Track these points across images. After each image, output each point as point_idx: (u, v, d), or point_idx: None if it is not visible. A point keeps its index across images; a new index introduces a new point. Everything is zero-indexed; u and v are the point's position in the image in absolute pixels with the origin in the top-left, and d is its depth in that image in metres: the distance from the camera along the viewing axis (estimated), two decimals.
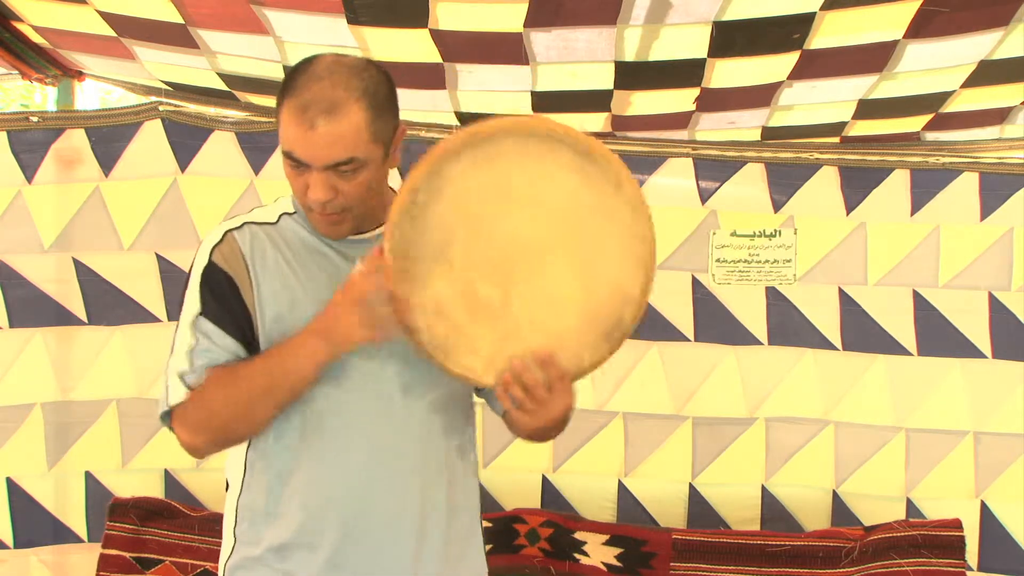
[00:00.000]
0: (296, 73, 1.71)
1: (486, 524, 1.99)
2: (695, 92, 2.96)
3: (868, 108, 3.07)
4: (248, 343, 1.76)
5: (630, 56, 2.72)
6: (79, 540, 3.27)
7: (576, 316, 1.68)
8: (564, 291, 1.68)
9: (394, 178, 1.83)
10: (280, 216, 1.84)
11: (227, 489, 1.87)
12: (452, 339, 1.67)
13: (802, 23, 2.51)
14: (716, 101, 3.03)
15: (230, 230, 1.81)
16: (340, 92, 1.65)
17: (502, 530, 3.19)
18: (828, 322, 3.35)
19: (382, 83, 1.72)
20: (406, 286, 1.65)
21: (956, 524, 3.17)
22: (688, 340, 3.37)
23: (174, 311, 3.21)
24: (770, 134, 3.33)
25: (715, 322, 3.37)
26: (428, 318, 1.66)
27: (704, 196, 3.38)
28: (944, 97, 2.98)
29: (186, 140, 3.27)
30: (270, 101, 3.24)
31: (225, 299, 1.76)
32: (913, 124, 3.25)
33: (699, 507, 3.38)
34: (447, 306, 1.66)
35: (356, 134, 1.65)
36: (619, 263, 1.68)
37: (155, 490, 3.26)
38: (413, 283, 1.65)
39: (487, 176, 1.64)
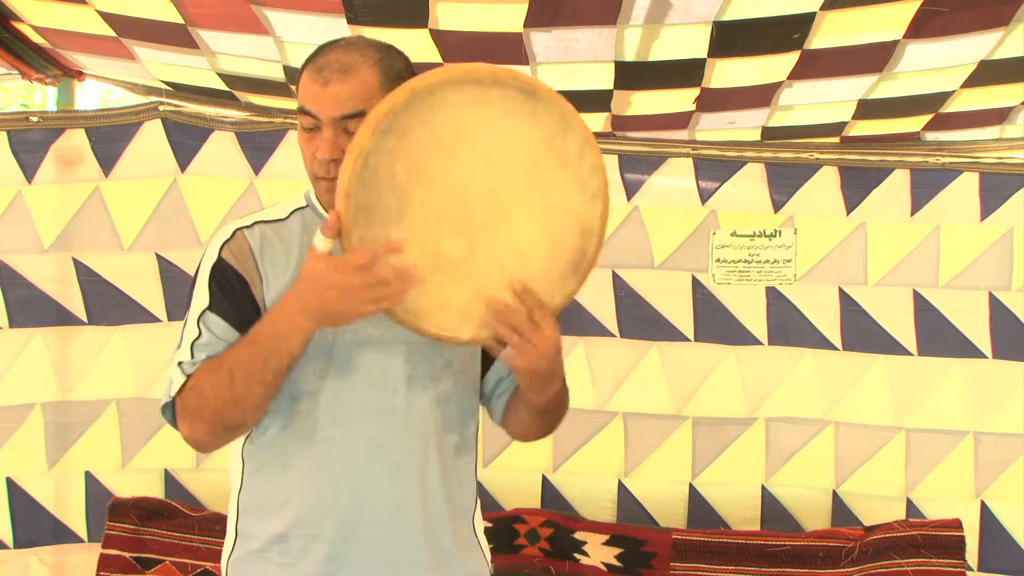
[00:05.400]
0: (318, 48, 1.78)
1: (486, 524, 1.99)
2: (695, 92, 2.96)
3: (868, 108, 3.07)
4: None
5: (630, 56, 2.72)
6: (79, 540, 3.27)
7: (541, 257, 1.69)
8: (526, 234, 1.68)
9: None
10: (291, 212, 1.86)
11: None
12: (421, 301, 1.66)
13: (802, 23, 2.51)
14: (716, 101, 3.03)
15: (240, 228, 1.82)
16: (355, 56, 1.73)
17: (502, 530, 3.18)
18: (828, 322, 3.35)
19: (398, 61, 1.78)
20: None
21: (956, 524, 3.17)
22: (688, 340, 3.37)
23: (174, 311, 3.23)
24: (770, 134, 3.33)
25: (715, 322, 3.37)
26: None
27: (704, 196, 3.38)
28: (944, 97, 2.98)
29: (186, 140, 3.27)
30: (270, 101, 3.25)
31: (233, 294, 1.77)
32: (913, 124, 3.25)
33: (699, 507, 3.37)
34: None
35: (367, 90, 1.71)
36: (575, 198, 1.69)
37: (155, 490, 3.26)
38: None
39: (435, 129, 1.62)
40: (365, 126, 1.62)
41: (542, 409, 1.84)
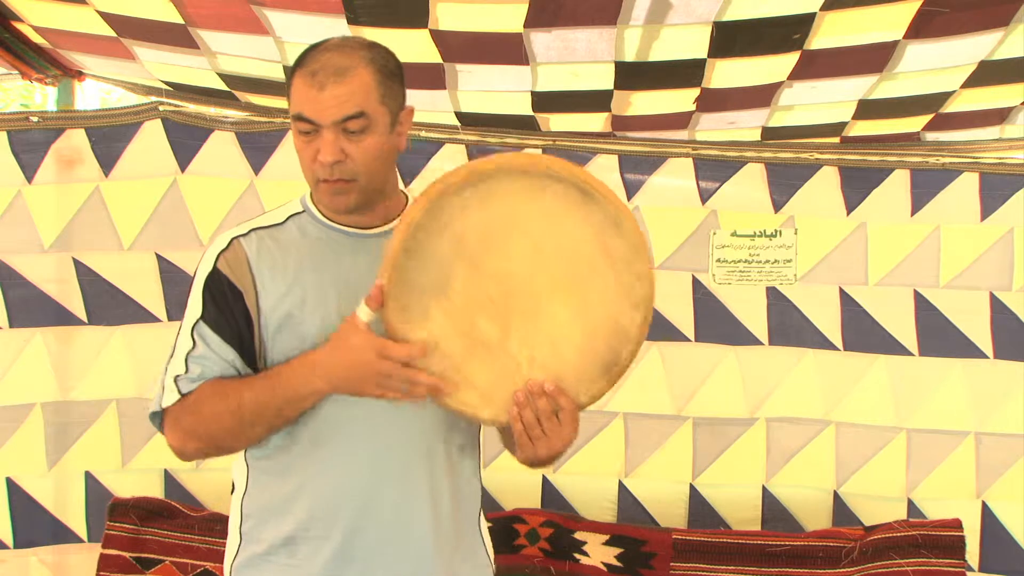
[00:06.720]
0: (306, 51, 1.77)
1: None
2: (695, 92, 2.96)
3: (868, 108, 3.07)
4: (245, 351, 1.78)
5: (630, 56, 2.72)
6: (79, 540, 3.27)
7: (574, 353, 1.70)
8: (563, 329, 1.69)
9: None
10: (288, 217, 1.86)
11: (232, 491, 1.87)
12: (449, 376, 1.68)
13: (802, 23, 2.51)
14: (716, 101, 3.03)
15: (237, 237, 1.83)
16: (348, 58, 1.72)
17: (502, 530, 3.18)
18: (829, 322, 3.35)
19: (389, 58, 1.78)
20: (404, 324, 1.66)
21: (956, 524, 3.17)
22: (688, 340, 3.37)
23: (174, 311, 3.23)
24: (770, 134, 3.33)
25: (715, 322, 3.37)
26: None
27: (704, 196, 3.38)
28: (944, 97, 2.98)
29: (186, 140, 3.27)
30: (270, 101, 3.25)
31: (226, 306, 1.77)
32: (913, 124, 3.24)
33: (699, 507, 3.37)
34: (445, 342, 1.67)
35: (365, 91, 1.71)
36: (617, 301, 1.69)
37: (155, 490, 3.26)
38: (410, 319, 1.66)
39: (488, 214, 1.65)
40: (419, 200, 1.65)
41: (527, 463, 1.85)
